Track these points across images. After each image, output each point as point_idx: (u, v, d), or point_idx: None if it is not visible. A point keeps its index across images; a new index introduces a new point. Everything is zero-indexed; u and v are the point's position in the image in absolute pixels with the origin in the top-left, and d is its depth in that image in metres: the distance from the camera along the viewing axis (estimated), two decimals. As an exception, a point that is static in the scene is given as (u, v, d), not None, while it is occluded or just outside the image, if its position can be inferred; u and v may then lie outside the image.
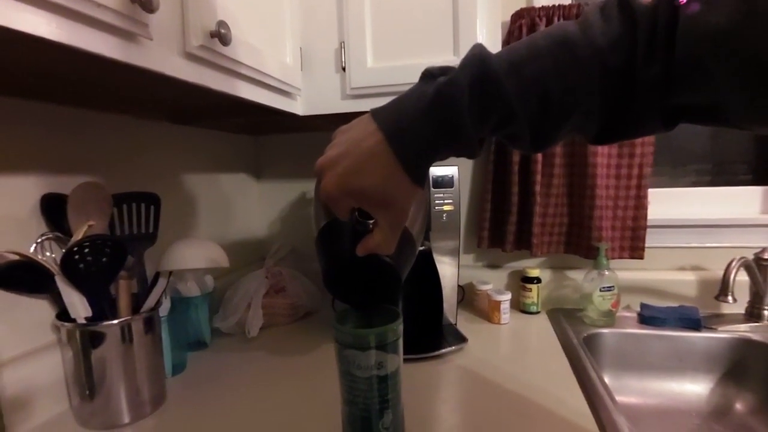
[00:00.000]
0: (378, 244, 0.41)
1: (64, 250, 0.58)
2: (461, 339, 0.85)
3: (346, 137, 0.40)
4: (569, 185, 1.04)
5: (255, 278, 1.00)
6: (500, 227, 1.08)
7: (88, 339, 0.60)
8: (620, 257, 1.03)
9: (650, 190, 1.01)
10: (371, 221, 0.41)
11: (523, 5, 1.03)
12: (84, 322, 0.60)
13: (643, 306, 1.03)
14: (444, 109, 0.36)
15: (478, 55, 0.36)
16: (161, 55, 0.49)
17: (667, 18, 0.31)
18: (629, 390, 0.96)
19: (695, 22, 0.30)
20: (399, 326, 0.50)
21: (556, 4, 0.95)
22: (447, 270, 0.89)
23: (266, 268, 1.05)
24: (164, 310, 0.73)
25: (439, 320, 0.91)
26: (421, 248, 0.84)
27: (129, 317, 0.63)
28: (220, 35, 0.55)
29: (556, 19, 0.95)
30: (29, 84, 0.55)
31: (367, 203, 0.39)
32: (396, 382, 0.50)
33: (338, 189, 0.38)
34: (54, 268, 0.59)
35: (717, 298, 0.92)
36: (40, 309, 0.64)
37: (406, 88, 0.83)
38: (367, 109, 0.86)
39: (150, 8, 0.43)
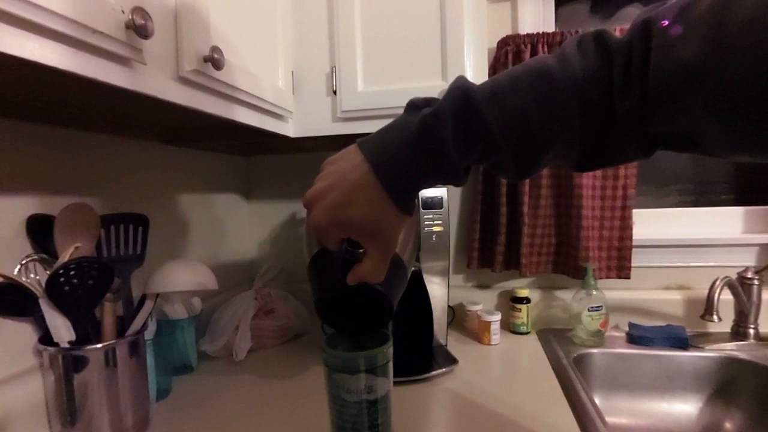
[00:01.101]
0: (368, 273, 0.41)
1: (49, 273, 0.57)
2: (452, 361, 0.85)
3: (334, 169, 0.40)
4: (556, 206, 1.06)
5: (243, 300, 0.99)
6: (489, 248, 1.09)
7: (71, 363, 0.59)
8: (608, 277, 1.04)
9: (635, 211, 1.03)
10: (361, 250, 0.41)
11: (509, 32, 1.07)
12: (67, 345, 0.59)
13: (631, 325, 1.04)
14: (428, 140, 0.36)
15: (461, 87, 0.37)
16: (155, 79, 0.50)
17: (640, 53, 0.33)
18: (619, 410, 0.96)
19: (666, 57, 0.31)
20: (389, 349, 0.49)
21: (541, 32, 0.99)
22: (437, 291, 0.89)
23: (255, 289, 1.04)
24: (150, 333, 0.72)
25: (429, 341, 0.90)
26: (411, 270, 0.85)
27: (113, 341, 0.62)
28: (214, 60, 0.56)
29: (540, 45, 0.98)
30: (20, 106, 0.55)
31: (355, 234, 0.39)
32: (386, 407, 0.50)
33: (327, 221, 0.38)
34: (38, 291, 0.58)
35: (703, 317, 0.94)
36: (23, 332, 0.62)
37: (396, 111, 0.84)
38: (357, 132, 0.89)
39: (145, 34, 0.44)
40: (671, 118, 0.33)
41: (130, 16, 0.43)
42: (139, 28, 0.44)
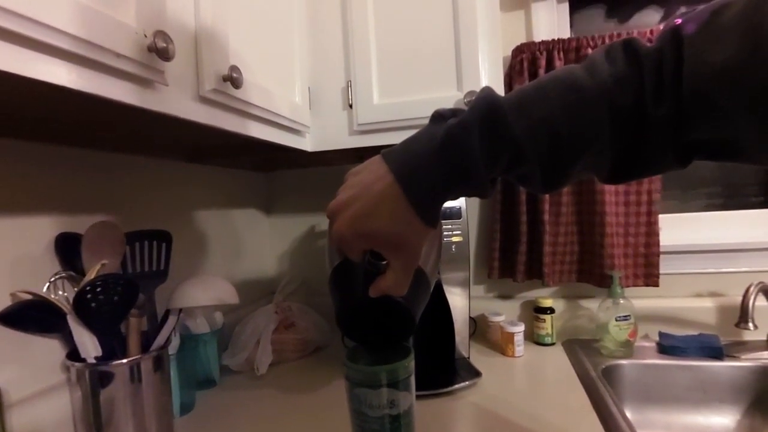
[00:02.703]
0: (390, 285, 0.40)
1: (76, 289, 0.59)
2: (475, 373, 0.83)
3: (357, 180, 0.40)
4: (578, 213, 1.03)
5: (264, 314, 0.99)
6: (510, 257, 1.08)
7: (97, 378, 0.60)
8: (635, 285, 1.01)
9: (661, 216, 1.00)
10: (384, 262, 0.40)
11: (524, 40, 1.06)
12: (94, 361, 0.60)
13: (661, 335, 1.00)
14: (454, 151, 0.36)
15: (486, 98, 0.37)
16: (176, 99, 0.52)
17: (672, 59, 0.32)
18: (653, 424, 0.93)
19: (700, 61, 0.30)
20: (411, 362, 0.49)
21: (556, 38, 0.98)
22: (458, 302, 0.88)
23: (276, 303, 1.05)
24: (173, 347, 0.72)
25: (451, 354, 0.89)
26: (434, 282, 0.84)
27: (138, 356, 0.63)
28: (233, 79, 0.57)
29: (555, 52, 0.97)
30: (48, 128, 0.58)
31: (379, 245, 0.39)
32: (409, 422, 0.49)
33: (350, 232, 0.38)
34: (66, 307, 0.60)
35: (737, 325, 0.90)
36: (51, 349, 0.64)
37: (412, 122, 0.85)
38: (374, 144, 0.89)
39: (166, 57, 0.46)
40: (710, 124, 0.32)
41: (152, 40, 0.45)
42: (160, 51, 0.45)
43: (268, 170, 1.28)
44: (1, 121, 0.52)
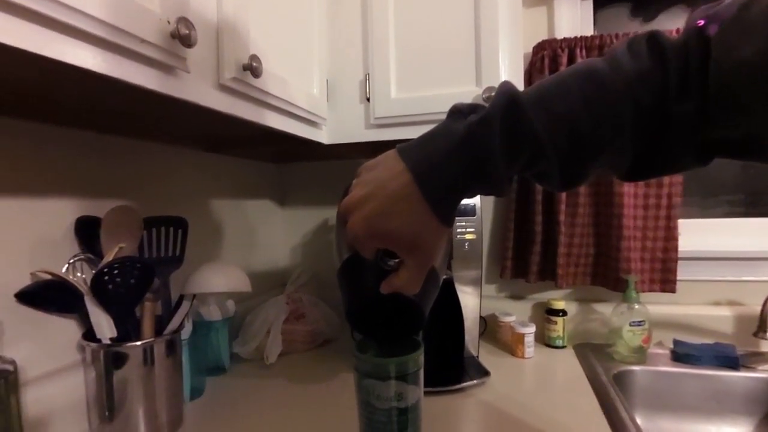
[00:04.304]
0: (403, 284, 0.39)
1: (94, 271, 0.60)
2: (484, 372, 0.83)
3: (372, 176, 0.39)
4: (595, 215, 1.02)
5: (275, 304, 1.00)
6: (524, 257, 1.06)
7: (112, 360, 0.61)
8: (651, 290, 0.99)
9: (680, 221, 0.98)
10: (397, 260, 0.40)
11: (545, 37, 1.04)
12: (109, 342, 0.61)
13: (676, 342, 0.98)
14: (475, 148, 0.35)
15: (506, 93, 0.36)
16: (197, 86, 0.52)
17: (698, 53, 0.31)
18: (664, 433, 0.91)
19: (727, 57, 0.29)
20: (420, 356, 0.48)
21: (578, 36, 0.97)
22: (469, 300, 0.88)
23: (287, 294, 1.05)
24: (186, 333, 0.74)
25: (460, 352, 0.88)
26: (443, 277, 0.83)
27: (152, 339, 0.64)
28: (252, 68, 0.58)
29: (578, 50, 0.96)
30: (71, 113, 0.59)
31: (394, 245, 0.38)
32: (416, 416, 0.49)
33: (365, 231, 0.37)
34: (84, 288, 0.61)
35: (755, 335, 0.88)
36: (66, 329, 0.65)
37: (429, 117, 0.84)
38: (391, 138, 0.88)
39: (188, 43, 0.46)
40: (734, 122, 0.31)
41: (175, 26, 0.45)
42: (183, 38, 0.46)
43: (283, 162, 1.28)
44: (27, 104, 0.53)
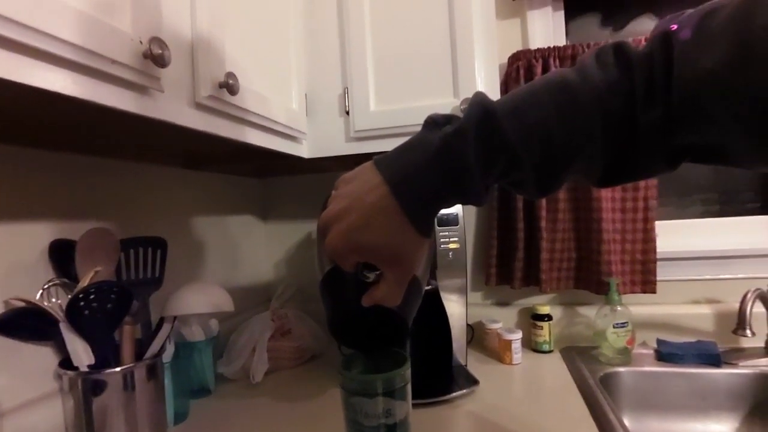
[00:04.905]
0: (384, 296, 0.40)
1: (70, 297, 0.58)
2: (472, 381, 0.83)
3: (350, 189, 0.39)
4: (575, 220, 1.04)
5: (260, 321, 0.98)
6: (507, 264, 1.07)
7: (90, 387, 0.59)
8: (632, 292, 1.01)
9: (657, 222, 1.00)
10: (377, 272, 0.40)
11: (520, 47, 1.07)
12: (86, 369, 0.59)
13: (659, 342, 1.00)
14: (450, 159, 0.35)
15: (480, 104, 0.36)
16: (172, 106, 0.51)
17: (662, 62, 0.32)
18: (651, 433, 0.92)
19: (690, 66, 0.30)
20: (407, 371, 0.48)
21: (551, 46, 0.99)
22: (455, 309, 0.88)
23: (272, 310, 1.04)
24: (168, 355, 0.72)
25: (448, 361, 0.88)
26: (428, 287, 0.83)
27: (132, 364, 0.62)
28: (228, 86, 0.57)
29: (551, 60, 0.98)
30: (42, 135, 0.57)
31: (374, 258, 0.38)
32: (405, 431, 0.48)
33: (344, 245, 0.37)
34: (59, 315, 0.59)
35: (735, 332, 0.90)
36: (44, 356, 0.63)
37: (408, 129, 0.85)
38: (371, 151, 0.89)
39: (162, 63, 0.46)
40: (698, 129, 0.32)
41: (147, 46, 0.45)
42: (156, 58, 0.45)
43: (263, 176, 1.28)
44: (-4, 127, 0.52)
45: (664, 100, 0.32)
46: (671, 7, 1.08)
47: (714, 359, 0.92)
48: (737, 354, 0.95)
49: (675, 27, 0.32)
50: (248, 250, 1.21)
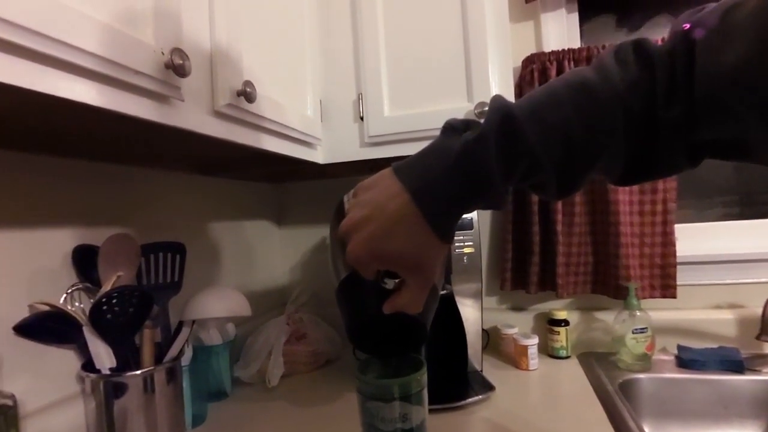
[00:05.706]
0: (406, 303, 0.39)
1: (92, 301, 0.60)
2: (488, 387, 0.82)
3: (369, 197, 0.39)
4: (591, 223, 1.02)
5: (276, 325, 0.99)
6: (523, 268, 1.06)
7: (111, 389, 0.60)
8: (651, 296, 0.99)
9: (677, 226, 0.98)
10: (397, 280, 0.40)
11: (534, 50, 1.06)
12: (108, 372, 0.61)
13: (680, 348, 0.98)
14: (471, 165, 0.35)
15: (500, 108, 0.36)
16: (192, 114, 0.53)
17: (684, 59, 0.32)
18: (672, 441, 0.90)
19: (712, 62, 0.30)
20: (423, 376, 0.48)
21: (566, 48, 0.98)
22: (470, 314, 0.87)
23: (287, 314, 1.05)
24: (186, 359, 0.73)
25: (464, 367, 0.88)
26: (443, 292, 0.83)
27: (152, 367, 0.63)
28: (246, 94, 0.58)
29: (566, 62, 0.97)
30: (68, 143, 0.59)
31: (396, 266, 0.38)
32: (422, 436, 0.48)
33: (367, 253, 0.37)
34: (82, 319, 0.60)
35: (758, 338, 0.88)
36: (67, 359, 0.64)
37: (423, 134, 0.85)
38: (385, 156, 0.89)
39: (182, 73, 0.47)
40: (720, 125, 0.32)
41: (169, 57, 0.46)
42: (177, 68, 0.46)
43: (279, 182, 1.29)
44: (22, 136, 0.53)
45: (687, 97, 0.32)
46: (688, 7, 1.07)
47: (737, 365, 0.90)
48: (761, 360, 0.92)
49: (691, 27, 0.32)
50: (263, 255, 1.22)
